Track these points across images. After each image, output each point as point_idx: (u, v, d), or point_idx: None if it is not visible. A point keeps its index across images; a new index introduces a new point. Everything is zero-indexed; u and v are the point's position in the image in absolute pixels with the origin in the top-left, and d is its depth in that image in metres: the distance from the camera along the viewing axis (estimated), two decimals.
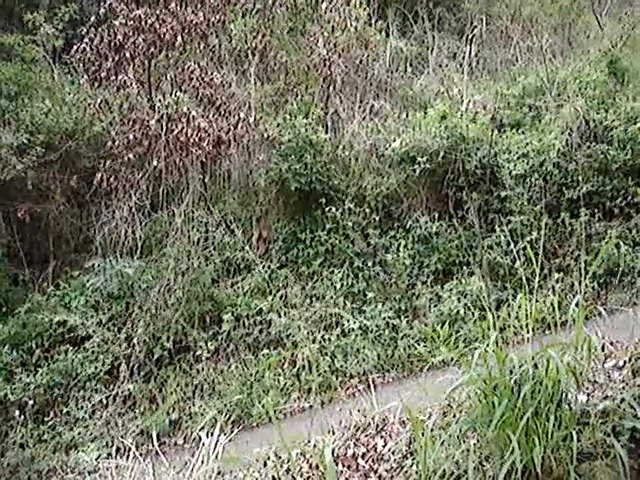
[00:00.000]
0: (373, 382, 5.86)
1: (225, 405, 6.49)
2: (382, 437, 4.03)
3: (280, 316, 7.74)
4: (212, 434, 4.05)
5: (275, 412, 6.52)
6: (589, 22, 12.71)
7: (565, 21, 13.14)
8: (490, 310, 3.47)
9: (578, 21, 13.23)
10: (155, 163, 8.69)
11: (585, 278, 6.30)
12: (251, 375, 7.14)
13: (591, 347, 3.46)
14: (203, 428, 5.37)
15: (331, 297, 7.83)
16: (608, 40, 10.31)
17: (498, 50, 12.74)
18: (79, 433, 7.02)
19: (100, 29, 8.81)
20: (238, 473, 4.15)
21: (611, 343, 4.56)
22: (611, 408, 3.30)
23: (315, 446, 3.86)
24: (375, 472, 3.68)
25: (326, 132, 9.66)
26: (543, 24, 12.94)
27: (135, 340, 7.63)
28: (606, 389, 3.69)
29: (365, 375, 6.74)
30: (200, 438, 5.26)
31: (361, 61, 10.98)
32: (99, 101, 9.02)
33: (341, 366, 7.12)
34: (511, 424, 3.03)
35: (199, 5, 9.25)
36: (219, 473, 3.96)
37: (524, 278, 3.69)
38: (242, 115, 8.84)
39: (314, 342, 7.31)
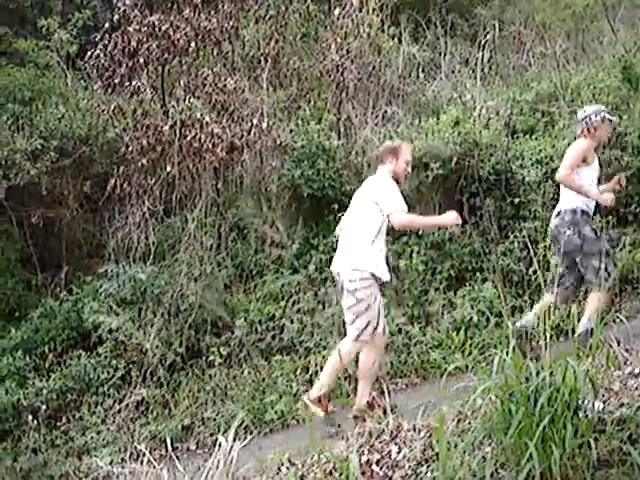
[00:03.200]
0: (387, 388, 5.83)
1: (238, 411, 6.47)
2: (396, 444, 4.01)
3: (293, 322, 7.74)
4: (226, 440, 4.03)
5: (288, 418, 6.50)
6: (603, 28, 12.66)
7: (578, 27, 13.10)
8: (507, 317, 3.45)
9: (591, 27, 13.18)
10: (168, 169, 8.72)
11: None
12: (264, 381, 7.12)
13: (609, 355, 3.45)
14: (216, 433, 5.38)
15: None
16: (622, 46, 10.26)
17: (511, 56, 12.72)
18: (92, 438, 7.03)
19: (114, 35, 8.85)
20: (252, 479, 4.14)
21: (626, 350, 4.53)
22: (627, 416, 3.28)
23: (330, 452, 3.84)
24: (390, 479, 3.66)
25: (339, 138, 9.66)
26: (556, 30, 12.91)
27: (148, 345, 7.64)
28: (622, 396, 3.67)
29: (378, 381, 6.70)
30: (214, 443, 5.28)
31: (374, 67, 10.98)
32: (113, 107, 9.04)
33: (353, 372, 7.09)
34: (528, 432, 3.01)
35: (212, 11, 9.30)
36: (234, 479, 3.94)
37: (542, 284, 3.68)
38: (255, 121, 8.85)
39: (326, 348, 7.29)
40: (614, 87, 9.24)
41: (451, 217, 5.96)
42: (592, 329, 5.74)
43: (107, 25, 9.17)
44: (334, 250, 8.46)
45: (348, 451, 3.78)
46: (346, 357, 5.76)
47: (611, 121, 6.40)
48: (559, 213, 6.24)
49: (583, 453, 3.05)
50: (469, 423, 3.55)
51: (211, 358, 7.54)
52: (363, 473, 3.61)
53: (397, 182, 6.03)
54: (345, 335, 5.87)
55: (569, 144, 8.51)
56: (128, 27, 8.84)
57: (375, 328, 5.65)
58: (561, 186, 6.33)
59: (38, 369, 7.91)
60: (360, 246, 5.77)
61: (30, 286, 9.15)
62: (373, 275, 5.68)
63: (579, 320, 5.81)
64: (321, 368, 6.99)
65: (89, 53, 9.00)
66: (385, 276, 5.80)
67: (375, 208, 5.77)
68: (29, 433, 7.20)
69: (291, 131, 9.42)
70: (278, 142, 9.08)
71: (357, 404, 5.73)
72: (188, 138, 8.57)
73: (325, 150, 9.14)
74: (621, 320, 5.40)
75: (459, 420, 3.70)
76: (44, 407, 7.37)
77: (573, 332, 3.47)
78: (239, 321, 7.79)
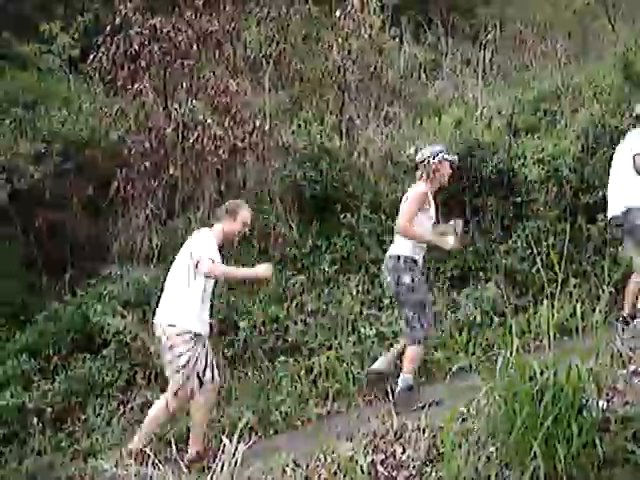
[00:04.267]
0: (391, 389, 5.83)
1: (243, 412, 6.47)
2: (401, 444, 4.02)
3: (296, 323, 7.74)
4: (230, 441, 4.05)
5: (293, 419, 6.51)
6: (603, 26, 12.68)
7: (580, 26, 13.12)
8: (511, 316, 3.46)
9: (592, 26, 13.20)
10: (171, 171, 8.73)
11: (604, 284, 6.29)
12: (268, 382, 7.13)
13: (613, 353, 3.45)
14: (221, 435, 5.39)
15: (347, 304, 7.82)
16: (623, 44, 10.26)
17: (512, 55, 12.75)
18: (97, 440, 7.02)
19: (116, 38, 8.86)
20: None
21: (630, 349, 4.54)
22: (631, 414, 3.29)
23: (334, 453, 3.85)
24: (395, 479, 3.67)
25: (341, 139, 9.68)
26: (557, 29, 12.93)
27: (152, 348, 7.63)
28: (626, 395, 3.67)
29: (382, 382, 6.71)
30: (218, 445, 5.28)
31: (375, 68, 10.99)
32: (115, 110, 9.06)
33: (358, 373, 7.10)
34: (532, 431, 3.02)
35: (214, 14, 9.31)
36: None
37: (545, 284, 3.68)
38: (257, 123, 8.86)
39: (331, 349, 7.29)
40: (615, 85, 9.26)
41: (264, 271, 6.02)
42: (412, 385, 5.74)
43: (109, 28, 9.18)
44: (337, 251, 8.53)
45: (353, 452, 3.80)
46: (163, 411, 5.76)
47: (451, 161, 6.17)
48: (389, 257, 6.06)
49: (587, 452, 3.06)
50: (473, 423, 3.56)
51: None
52: (368, 473, 3.62)
53: (228, 241, 6.17)
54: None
55: (571, 142, 8.56)
56: (130, 30, 8.85)
57: (201, 383, 5.63)
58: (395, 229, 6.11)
59: (43, 372, 7.91)
60: (177, 300, 5.73)
61: (35, 289, 9.16)
62: (192, 331, 5.63)
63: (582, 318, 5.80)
64: (325, 369, 7.01)
65: (91, 56, 9.01)
66: (205, 330, 5.74)
67: (189, 260, 5.72)
68: (34, 435, 7.20)
69: (293, 132, 9.44)
70: (280, 143, 9.09)
71: (189, 453, 5.64)
72: (190, 140, 8.58)
73: (327, 151, 9.15)
74: (625, 319, 5.42)
75: (463, 420, 3.71)
76: (49, 409, 7.36)
77: (577, 331, 3.46)
78: (243, 322, 7.79)
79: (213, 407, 6.05)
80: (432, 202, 6.06)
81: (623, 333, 5.77)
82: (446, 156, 6.11)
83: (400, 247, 5.95)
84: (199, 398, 5.67)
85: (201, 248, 5.72)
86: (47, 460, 6.93)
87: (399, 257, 5.90)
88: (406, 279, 5.83)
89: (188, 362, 5.56)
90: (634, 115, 6.93)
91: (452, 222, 6.33)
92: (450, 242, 6.04)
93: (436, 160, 6.03)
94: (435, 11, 13.68)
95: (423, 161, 6.06)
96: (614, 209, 6.70)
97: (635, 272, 6.54)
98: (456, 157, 6.29)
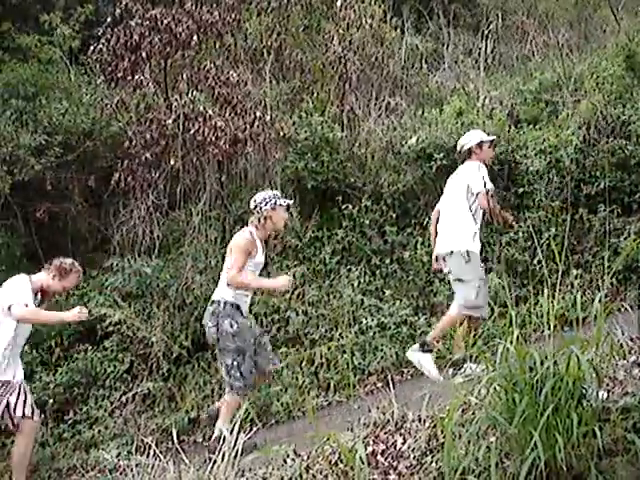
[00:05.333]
0: (392, 379, 5.83)
1: (245, 402, 6.49)
2: (401, 434, 4.02)
3: (298, 314, 7.75)
4: (231, 432, 4.06)
5: (294, 410, 6.52)
6: (606, 16, 12.62)
7: (581, 16, 13.06)
8: (512, 307, 3.45)
9: (594, 15, 13.14)
10: (172, 162, 8.72)
11: (605, 274, 6.28)
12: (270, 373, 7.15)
13: (613, 344, 3.45)
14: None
15: (348, 295, 7.83)
16: (625, 34, 10.22)
17: (514, 45, 12.68)
18: (99, 431, 7.06)
19: (116, 29, 8.84)
20: (258, 471, 4.16)
21: (631, 339, 4.54)
22: (632, 405, 3.29)
23: (335, 443, 3.85)
24: (395, 469, 3.68)
25: (342, 130, 9.66)
26: (559, 19, 12.88)
27: (154, 339, 7.66)
28: (626, 385, 3.67)
29: (383, 372, 6.73)
30: (220, 436, 5.29)
31: (376, 58, 10.96)
32: (116, 101, 9.05)
33: (359, 364, 7.12)
34: (532, 421, 3.02)
35: (214, 4, 9.28)
36: (239, 470, 3.96)
37: (545, 274, 3.68)
38: (258, 114, 8.84)
39: (332, 340, 7.31)
40: (617, 76, 9.21)
41: (282, 283, 5.87)
42: (225, 437, 5.17)
43: (109, 19, 9.17)
44: (338, 242, 8.53)
45: (354, 442, 3.80)
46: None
47: (288, 206, 6.03)
48: (210, 302, 5.88)
49: (587, 442, 3.06)
50: (473, 413, 3.56)
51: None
52: (368, 464, 3.62)
53: (45, 295, 6.12)
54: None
55: (573, 133, 8.54)
56: (130, 21, 8.83)
57: (23, 415, 5.72)
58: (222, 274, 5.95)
59: (45, 363, 7.94)
60: None
61: None
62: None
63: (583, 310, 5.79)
64: (326, 360, 7.03)
65: (92, 48, 8.99)
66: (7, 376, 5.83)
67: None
68: (37, 427, 7.24)
69: (294, 123, 9.41)
70: (281, 134, 9.08)
71: None
72: (192, 131, 8.57)
73: (328, 142, 9.14)
74: (625, 309, 5.42)
75: (463, 410, 3.71)
76: (51, 401, 7.41)
77: (577, 322, 3.46)
78: None
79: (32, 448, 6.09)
80: (261, 247, 5.88)
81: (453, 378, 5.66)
82: (280, 201, 5.92)
83: (222, 292, 5.78)
84: (21, 433, 5.80)
85: (13, 293, 5.76)
86: (49, 451, 6.98)
87: (219, 302, 5.72)
88: (226, 325, 5.64)
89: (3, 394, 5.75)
90: (462, 149, 6.53)
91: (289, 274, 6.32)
92: (281, 282, 5.86)
93: (268, 207, 5.84)
94: (436, 1, 13.62)
95: (256, 207, 5.87)
96: (440, 248, 6.39)
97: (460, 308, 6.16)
98: (290, 201, 6.15)
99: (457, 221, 6.21)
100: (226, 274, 5.75)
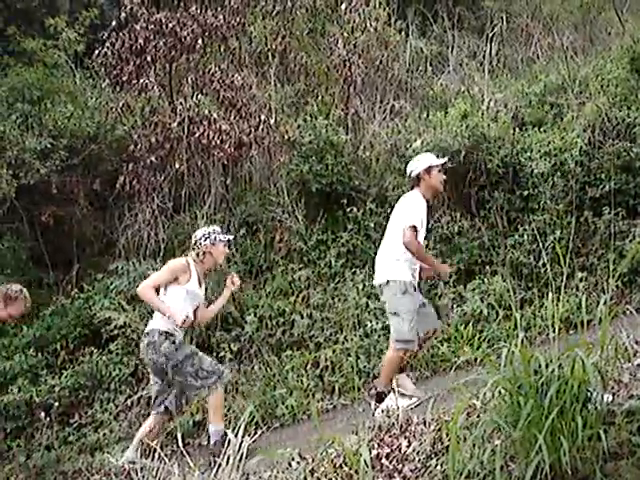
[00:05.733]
0: (397, 382, 5.82)
1: (250, 405, 6.49)
2: (406, 437, 4.02)
3: (302, 317, 7.75)
4: (236, 435, 4.05)
5: (299, 413, 6.52)
6: (610, 19, 12.60)
7: (586, 18, 13.04)
8: (517, 310, 3.45)
9: (599, 18, 13.13)
10: (177, 166, 8.75)
11: (610, 277, 6.26)
12: (274, 376, 7.14)
13: (618, 347, 3.44)
14: (227, 428, 5.40)
15: (353, 298, 7.82)
16: (630, 37, 10.21)
17: (519, 48, 12.68)
18: (104, 435, 7.06)
19: (121, 33, 8.88)
20: (263, 474, 4.16)
21: (636, 342, 4.53)
22: (636, 407, 3.28)
23: (340, 447, 3.85)
24: (400, 472, 3.67)
25: (347, 133, 9.67)
26: (564, 21, 12.87)
27: None
28: (631, 388, 3.66)
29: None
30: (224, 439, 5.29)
31: (381, 61, 10.98)
32: (121, 105, 9.08)
33: (364, 367, 7.10)
34: (537, 424, 3.01)
35: (219, 8, 9.31)
36: (244, 474, 3.96)
37: (550, 277, 3.68)
38: (263, 117, 8.87)
39: (337, 343, 7.30)
40: (622, 78, 9.20)
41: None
42: (225, 432, 5.37)
43: (114, 23, 9.21)
44: (343, 245, 8.53)
45: (358, 445, 3.79)
46: None
47: (229, 241, 6.17)
48: (144, 335, 5.91)
49: (592, 445, 3.05)
50: (478, 416, 3.56)
51: (222, 354, 7.55)
52: (373, 467, 3.62)
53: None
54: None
55: (577, 135, 8.53)
56: (135, 25, 8.87)
57: None
58: None
59: (50, 366, 7.96)
60: None
61: (42, 284, 9.20)
62: None
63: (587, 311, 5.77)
64: (331, 363, 7.03)
65: (97, 51, 9.04)
66: None
67: None
68: (42, 430, 7.24)
69: (299, 126, 9.43)
70: (286, 138, 9.10)
71: None
72: (196, 135, 8.59)
73: (333, 145, 9.15)
74: (630, 312, 5.41)
75: (468, 413, 3.70)
76: (57, 404, 7.40)
77: (582, 325, 3.45)
78: (249, 317, 7.81)
79: None
80: (197, 278, 5.92)
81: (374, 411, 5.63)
82: (220, 237, 6.01)
83: (154, 323, 5.85)
84: None
85: None
86: (55, 454, 6.97)
87: (150, 333, 5.78)
88: (165, 346, 5.70)
89: None
90: (411, 174, 6.12)
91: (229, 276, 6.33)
92: (182, 317, 5.74)
93: (208, 242, 5.93)
94: (441, 4, 13.62)
95: (196, 243, 5.95)
96: (378, 277, 6.09)
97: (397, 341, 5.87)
98: (230, 236, 6.25)
99: (394, 251, 5.90)
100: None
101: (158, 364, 5.75)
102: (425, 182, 6.02)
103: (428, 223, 6.26)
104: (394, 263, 5.86)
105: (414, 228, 5.73)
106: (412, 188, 6.10)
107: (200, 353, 5.88)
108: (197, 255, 5.92)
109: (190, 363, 5.72)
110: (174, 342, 5.73)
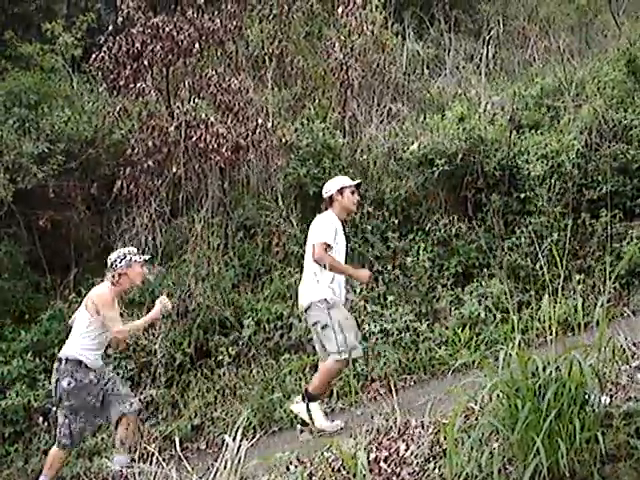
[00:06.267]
0: (395, 385, 5.82)
1: (247, 410, 6.49)
2: (404, 441, 4.02)
3: (300, 320, 7.73)
4: (234, 439, 4.05)
5: (296, 417, 6.51)
6: (607, 21, 12.65)
7: (582, 21, 13.10)
8: (514, 312, 3.46)
9: (595, 20, 13.18)
10: (174, 170, 8.75)
11: (607, 279, 6.26)
12: (272, 380, 7.14)
13: (615, 349, 3.45)
14: (225, 433, 5.39)
15: (351, 301, 7.81)
16: (626, 39, 10.24)
17: (515, 51, 12.72)
18: (102, 439, 7.05)
19: (118, 38, 8.87)
20: (261, 478, 4.16)
21: (634, 344, 4.53)
22: (634, 410, 3.28)
23: (337, 450, 3.85)
24: (398, 476, 3.67)
25: (344, 136, 9.68)
26: (560, 24, 12.91)
27: (156, 346, 7.66)
28: (629, 390, 3.67)
29: (386, 378, 6.71)
30: (223, 443, 5.28)
31: (378, 65, 10.99)
32: (118, 109, 9.07)
33: (362, 370, 7.10)
34: (534, 427, 3.01)
35: (216, 12, 9.31)
36: (242, 477, 3.96)
37: (547, 279, 3.68)
38: (260, 121, 8.86)
39: None
40: (619, 80, 9.22)
41: None
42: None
43: (111, 27, 9.21)
44: None
45: (356, 448, 3.80)
46: None
47: (145, 261, 6.12)
48: (57, 359, 5.90)
49: (590, 447, 3.06)
50: (476, 419, 3.56)
51: (220, 358, 7.56)
52: (371, 470, 3.62)
53: None
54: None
55: (574, 138, 8.54)
56: (132, 29, 8.86)
57: None
58: None
59: (48, 371, 7.92)
60: None
61: (39, 289, 9.19)
62: None
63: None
64: None
65: (94, 56, 9.02)
66: None
67: None
68: (40, 435, 7.24)
69: (296, 130, 9.43)
70: (283, 141, 9.10)
71: None
72: (193, 139, 8.59)
73: (330, 148, 9.16)
74: (628, 314, 5.42)
75: (466, 416, 3.71)
76: (54, 409, 7.39)
77: (580, 327, 3.46)
78: (247, 320, 7.81)
79: None
80: (116, 306, 5.98)
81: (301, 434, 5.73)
82: (135, 258, 5.98)
83: (66, 348, 5.86)
84: None
85: None
86: None
87: (60, 360, 5.78)
88: (64, 383, 5.71)
89: None
90: (325, 196, 6.20)
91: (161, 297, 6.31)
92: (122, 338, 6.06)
93: (123, 264, 5.90)
94: (438, 7, 13.65)
95: (111, 265, 5.92)
96: (301, 300, 6.11)
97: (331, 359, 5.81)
98: (145, 257, 6.20)
99: (311, 272, 5.89)
100: (81, 329, 5.84)
101: (54, 390, 5.87)
102: (338, 203, 6.11)
103: (348, 242, 6.41)
104: (314, 285, 5.85)
105: (325, 244, 5.83)
106: (326, 209, 6.19)
107: (82, 414, 5.87)
108: (113, 277, 5.90)
109: (65, 414, 5.80)
110: (74, 381, 5.73)
